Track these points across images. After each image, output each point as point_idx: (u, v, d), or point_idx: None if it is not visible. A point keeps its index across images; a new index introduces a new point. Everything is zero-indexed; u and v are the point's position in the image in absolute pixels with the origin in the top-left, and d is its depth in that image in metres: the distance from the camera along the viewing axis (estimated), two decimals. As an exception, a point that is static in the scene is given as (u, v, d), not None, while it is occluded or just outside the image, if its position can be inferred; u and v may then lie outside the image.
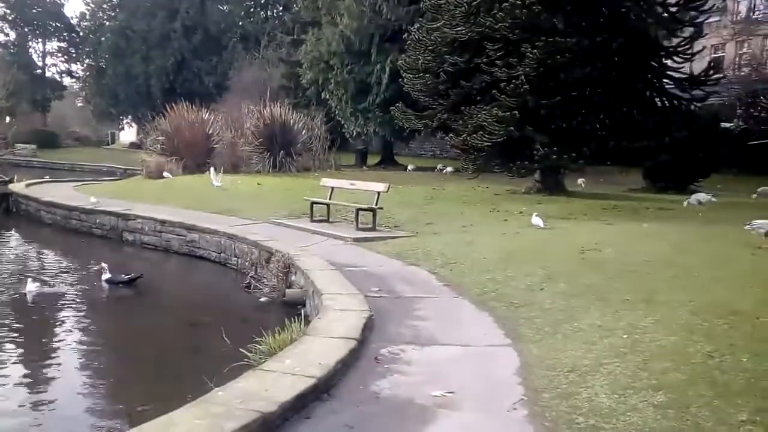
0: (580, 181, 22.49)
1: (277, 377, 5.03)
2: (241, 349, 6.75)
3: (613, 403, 4.63)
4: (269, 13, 50.85)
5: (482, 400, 4.98)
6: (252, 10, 51.29)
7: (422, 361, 5.89)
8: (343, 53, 31.30)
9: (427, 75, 19.70)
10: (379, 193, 13.99)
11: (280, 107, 26.33)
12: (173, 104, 28.07)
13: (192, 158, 25.93)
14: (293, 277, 10.46)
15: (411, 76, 20.30)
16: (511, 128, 17.32)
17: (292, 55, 38.12)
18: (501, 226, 13.45)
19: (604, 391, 4.84)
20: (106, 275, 11.73)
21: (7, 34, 68.27)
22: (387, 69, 29.19)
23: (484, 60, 18.07)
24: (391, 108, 22.66)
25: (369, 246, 12.04)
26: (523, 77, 16.85)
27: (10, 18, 67.27)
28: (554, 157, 17.64)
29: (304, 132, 26.22)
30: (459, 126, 18.84)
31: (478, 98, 18.66)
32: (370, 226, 13.60)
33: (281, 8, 49.00)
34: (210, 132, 26.83)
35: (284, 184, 21.06)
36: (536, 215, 12.87)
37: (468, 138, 18.26)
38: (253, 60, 42.97)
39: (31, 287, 10.76)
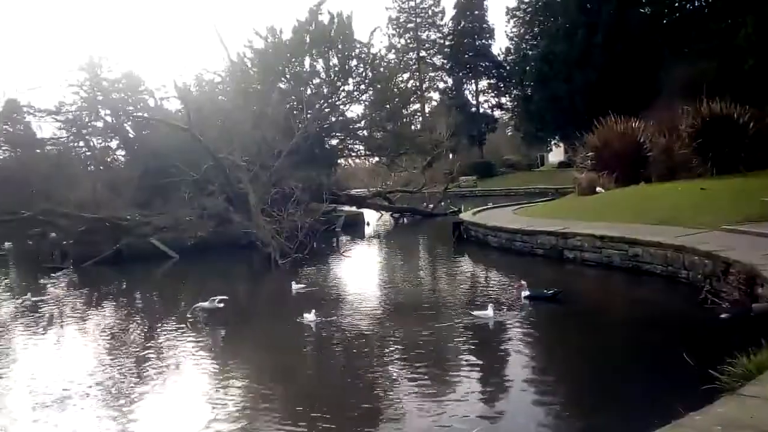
0: None
1: (762, 404, 4.37)
2: (710, 371, 6.02)
3: None
4: (696, 3, 47.03)
5: None
6: (677, 4, 48.16)
7: None
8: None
9: None
10: None
11: (720, 102, 23.70)
12: (599, 119, 27.78)
13: (623, 170, 25.14)
14: (760, 290, 9.06)
15: None
16: None
17: (723, 43, 34.17)
18: None
19: None
20: (525, 292, 12.22)
21: (445, 82, 78.00)
22: None
23: None
24: None
25: None
26: None
27: (447, 67, 76.73)
28: None
29: (751, 126, 22.99)
30: None
31: None
32: None
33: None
34: (641, 140, 25.64)
35: (732, 187, 18.75)
36: None
37: None
38: (681, 55, 40.07)
39: (310, 317, 11.68)
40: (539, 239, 17.71)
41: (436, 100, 77.39)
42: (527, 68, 61.26)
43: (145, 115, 30.22)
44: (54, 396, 8.46)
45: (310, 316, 11.58)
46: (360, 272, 19.69)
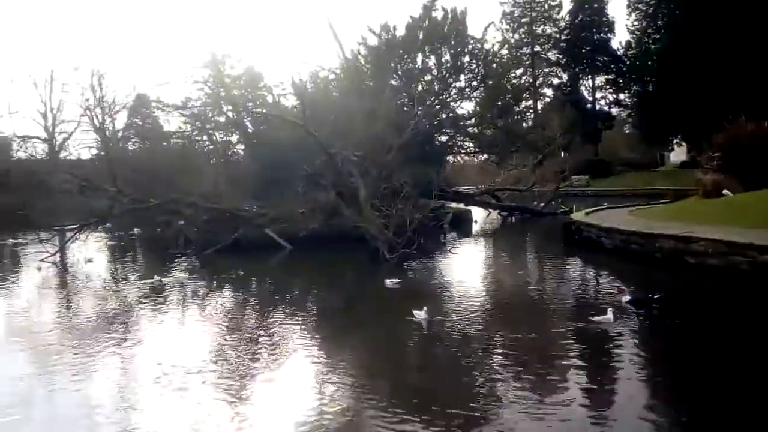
0: None
1: None
2: None
3: None
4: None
5: None
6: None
7: None
8: None
9: None
10: None
11: None
12: (727, 117, 26.12)
13: (753, 172, 23.48)
14: None
15: None
16: None
17: None
18: None
19: None
20: (626, 297, 12.00)
21: (560, 77, 75.78)
22: None
23: None
24: None
25: None
26: None
27: (562, 62, 74.54)
28: None
29: None
30: None
31: None
32: None
33: None
34: (776, 140, 23.83)
35: None
36: None
37: None
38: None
39: (419, 315, 11.45)
40: (658, 243, 16.92)
41: (549, 97, 75.28)
42: (649, 63, 58.49)
43: (264, 110, 31.48)
44: (177, 373, 9.05)
45: (421, 313, 11.60)
46: (466, 270, 19.62)
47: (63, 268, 21.81)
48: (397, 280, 15.63)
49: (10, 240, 30.85)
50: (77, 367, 9.60)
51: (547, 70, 75.94)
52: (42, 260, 21.82)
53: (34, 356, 10.40)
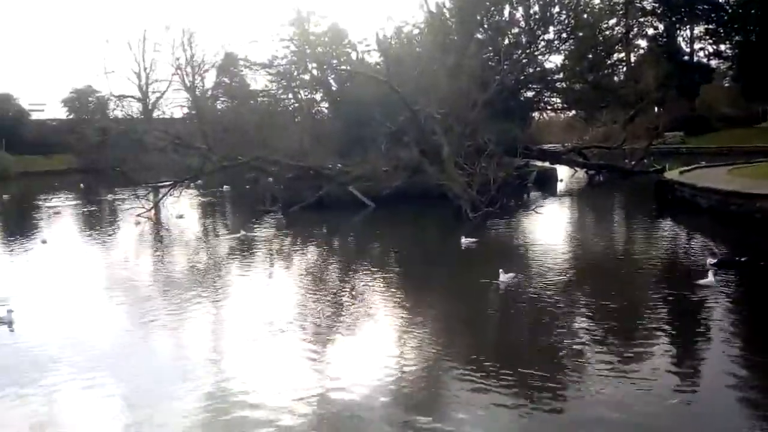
0: None
1: None
2: None
3: None
4: None
5: None
6: None
7: None
8: None
9: None
10: None
11: None
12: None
13: None
14: None
15: None
16: None
17: None
18: None
19: None
20: (711, 259, 11.67)
21: (656, 28, 71.71)
22: None
23: None
24: None
25: None
26: None
27: (658, 11, 70.42)
28: None
29: None
30: None
31: None
32: None
33: None
34: None
35: None
36: None
37: None
38: None
39: (504, 278, 11.24)
40: (759, 203, 15.96)
41: (643, 48, 71.47)
42: (752, 11, 54.50)
43: (348, 67, 31.48)
44: (264, 326, 9.40)
45: (506, 276, 11.38)
46: (550, 230, 19.22)
47: (157, 223, 22.90)
48: (474, 240, 15.50)
49: (109, 196, 32.61)
50: (173, 318, 10.13)
51: (641, 19, 71.89)
52: (139, 215, 22.95)
53: (135, 308, 11.04)
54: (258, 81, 36.89)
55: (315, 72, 32.17)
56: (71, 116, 59.35)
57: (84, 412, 6.93)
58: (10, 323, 9.79)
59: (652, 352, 7.90)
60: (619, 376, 7.12)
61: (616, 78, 40.37)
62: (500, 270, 11.45)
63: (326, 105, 34.72)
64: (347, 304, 10.87)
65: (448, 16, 34.97)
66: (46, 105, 62.74)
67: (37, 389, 7.37)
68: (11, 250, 17.98)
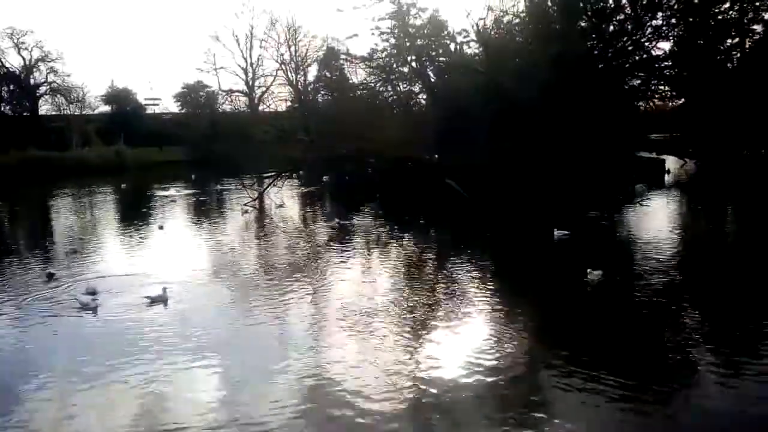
0: None
1: None
2: None
3: None
4: None
5: None
6: None
7: None
8: None
9: None
10: None
11: None
12: None
13: None
14: None
15: None
16: None
17: None
18: None
19: None
20: None
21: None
22: None
23: None
24: None
25: None
26: None
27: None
28: None
29: None
30: None
31: None
32: None
33: None
34: None
35: None
36: None
37: None
38: None
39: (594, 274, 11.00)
40: None
41: (759, 33, 66.96)
42: None
43: (447, 59, 31.50)
44: (360, 313, 9.78)
45: (594, 273, 11.26)
46: (655, 224, 18.49)
47: (260, 212, 23.93)
48: (566, 232, 15.25)
49: (218, 186, 34.26)
50: (274, 303, 10.70)
51: (757, 3, 67.27)
52: (245, 204, 24.04)
53: (240, 292, 11.72)
54: (358, 74, 37.63)
55: (414, 64, 32.42)
56: (183, 110, 62.62)
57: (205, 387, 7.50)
58: (165, 301, 10.70)
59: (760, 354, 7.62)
60: (724, 377, 6.95)
61: (729, 65, 38.07)
62: (591, 269, 11.34)
63: (424, 97, 34.91)
64: (441, 294, 11.07)
65: (549, 4, 34.19)
66: (161, 100, 66.39)
67: (165, 366, 8.07)
68: (131, 236, 19.35)
